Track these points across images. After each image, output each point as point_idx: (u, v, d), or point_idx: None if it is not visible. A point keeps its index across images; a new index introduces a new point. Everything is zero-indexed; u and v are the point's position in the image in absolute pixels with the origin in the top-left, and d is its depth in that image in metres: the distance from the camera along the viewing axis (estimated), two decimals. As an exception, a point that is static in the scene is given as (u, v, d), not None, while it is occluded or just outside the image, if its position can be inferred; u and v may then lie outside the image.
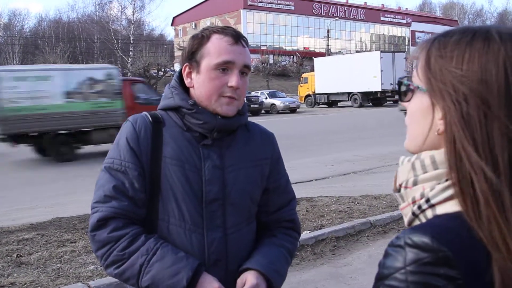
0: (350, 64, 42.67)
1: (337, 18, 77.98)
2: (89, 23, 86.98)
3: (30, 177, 12.89)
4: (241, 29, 67.84)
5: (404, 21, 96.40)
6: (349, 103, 43.55)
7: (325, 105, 46.31)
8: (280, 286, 1.93)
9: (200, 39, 1.86)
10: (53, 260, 5.69)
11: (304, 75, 50.91)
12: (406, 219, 1.01)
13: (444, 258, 0.84)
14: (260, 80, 63.19)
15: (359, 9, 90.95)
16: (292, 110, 40.40)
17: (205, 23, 76.56)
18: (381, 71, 39.62)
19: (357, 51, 73.86)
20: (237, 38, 1.85)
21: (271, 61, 71.17)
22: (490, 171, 0.87)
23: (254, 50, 63.74)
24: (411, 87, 1.02)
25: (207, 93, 1.84)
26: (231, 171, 1.89)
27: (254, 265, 1.86)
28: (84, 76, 16.30)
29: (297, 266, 5.58)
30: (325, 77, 44.57)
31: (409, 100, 1.03)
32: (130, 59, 71.99)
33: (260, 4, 78.01)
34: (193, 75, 1.88)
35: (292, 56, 75.57)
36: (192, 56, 1.87)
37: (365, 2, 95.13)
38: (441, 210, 0.93)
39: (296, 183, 9.67)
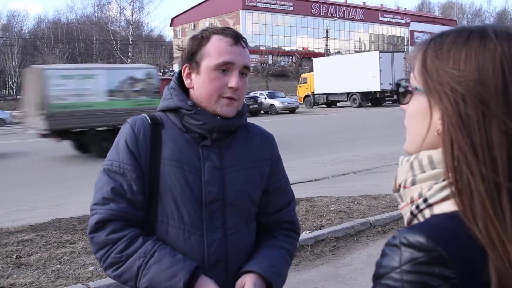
0: (349, 64, 42.68)
1: (336, 18, 77.98)
2: (88, 24, 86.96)
3: (30, 178, 12.88)
4: (240, 29, 67.80)
5: (403, 21, 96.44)
6: (348, 103, 43.57)
7: (324, 105, 46.32)
8: (281, 288, 1.93)
9: (200, 40, 1.86)
10: (53, 261, 5.69)
11: (303, 75, 50.91)
12: (405, 219, 1.01)
13: (439, 258, 0.84)
14: (259, 81, 63.20)
15: (358, 9, 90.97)
16: (291, 111, 40.42)
17: (204, 23, 76.56)
18: (380, 71, 39.64)
19: (356, 51, 73.83)
20: (237, 39, 1.85)
21: (270, 62, 71.22)
22: (488, 171, 0.87)
23: (253, 51, 63.78)
24: (409, 88, 1.02)
25: (207, 94, 1.84)
26: (231, 172, 1.89)
27: (255, 267, 1.86)
28: (125, 75, 17.17)
29: (296, 267, 5.58)
30: (324, 77, 44.58)
31: (407, 102, 1.03)
32: (129, 60, 71.96)
33: (259, 5, 78.01)
34: (193, 76, 1.88)
35: (291, 57, 75.62)
36: (192, 57, 1.87)
37: (364, 2, 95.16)
38: (438, 209, 0.94)
39: (295, 183, 9.67)
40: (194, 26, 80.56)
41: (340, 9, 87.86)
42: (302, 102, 46.85)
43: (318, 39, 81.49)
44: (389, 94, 39.66)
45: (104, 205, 1.80)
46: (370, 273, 0.92)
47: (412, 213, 0.99)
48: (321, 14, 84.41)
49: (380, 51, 43.21)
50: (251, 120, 1.98)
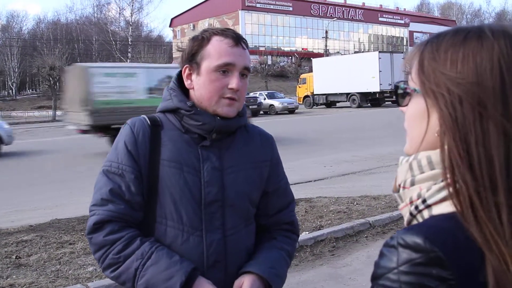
0: (348, 64, 42.70)
1: (335, 18, 77.92)
2: (87, 24, 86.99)
3: (30, 178, 12.87)
4: (239, 30, 67.84)
5: (402, 22, 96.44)
6: (348, 103, 43.59)
7: (324, 106, 46.33)
8: (280, 289, 1.94)
9: (201, 41, 1.87)
10: (52, 261, 5.69)
11: (302, 76, 50.92)
12: (405, 219, 1.01)
13: (436, 259, 0.84)
14: (258, 81, 63.16)
15: (357, 10, 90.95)
16: (291, 111, 40.43)
17: (203, 24, 76.56)
18: (380, 71, 39.66)
19: (355, 52, 73.88)
20: (237, 40, 1.86)
21: (269, 62, 71.16)
22: (484, 172, 0.87)
23: (253, 51, 63.74)
24: (408, 90, 1.02)
25: (207, 95, 1.84)
26: (230, 173, 1.89)
27: (254, 268, 1.86)
28: (163, 74, 17.81)
29: (296, 267, 5.58)
30: (323, 78, 44.60)
31: (406, 104, 1.03)
32: (128, 61, 71.92)
33: (258, 5, 78.00)
34: (193, 76, 1.88)
35: (290, 57, 75.61)
36: (192, 57, 1.87)
37: (363, 3, 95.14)
38: (437, 210, 0.94)
39: (295, 184, 9.67)
40: (194, 26, 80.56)
41: (340, 9, 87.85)
42: (301, 102, 46.89)
43: (317, 39, 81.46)
44: (388, 94, 39.66)
45: (103, 206, 1.80)
46: (370, 274, 0.92)
47: (411, 214, 0.99)
48: (320, 14, 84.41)
49: (380, 52, 43.24)
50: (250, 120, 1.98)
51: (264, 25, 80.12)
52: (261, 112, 38.52)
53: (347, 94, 43.23)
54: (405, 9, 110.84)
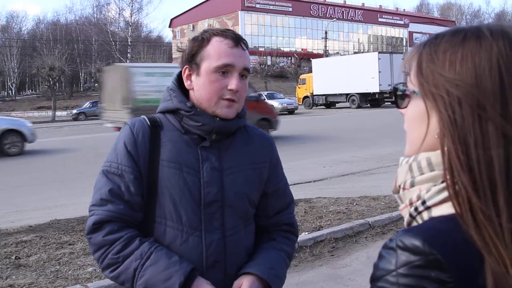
0: (348, 65, 42.68)
1: (334, 19, 77.95)
2: (87, 25, 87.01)
3: (29, 179, 12.87)
4: (239, 30, 67.80)
5: (401, 22, 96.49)
6: (347, 104, 43.58)
7: (323, 106, 46.32)
8: (279, 290, 1.94)
9: (200, 42, 1.87)
10: (52, 262, 5.69)
11: (302, 76, 50.93)
12: (405, 220, 1.01)
13: (435, 262, 0.84)
14: (258, 82, 63.10)
15: (356, 10, 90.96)
16: (290, 112, 40.42)
17: (202, 24, 76.58)
18: (379, 72, 39.64)
19: (355, 52, 73.79)
20: (237, 41, 1.86)
21: (269, 63, 71.23)
22: (484, 173, 0.86)
23: (252, 52, 63.73)
24: (407, 92, 1.02)
25: (207, 96, 1.84)
26: (230, 173, 1.89)
27: (253, 269, 1.86)
28: None
29: (295, 268, 5.58)
30: (323, 78, 44.60)
31: (405, 106, 1.03)
32: (128, 61, 71.95)
33: (257, 6, 78.00)
34: (193, 77, 1.88)
35: (290, 58, 75.62)
36: (192, 58, 1.87)
37: (363, 3, 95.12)
38: (436, 212, 0.93)
39: (294, 184, 9.68)
40: (193, 27, 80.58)
41: (339, 10, 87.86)
42: (301, 103, 46.89)
43: (317, 40, 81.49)
44: (388, 95, 39.64)
45: (102, 206, 1.80)
46: (369, 274, 0.92)
47: (411, 215, 0.98)
48: (320, 15, 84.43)
49: (379, 52, 43.24)
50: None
51: (264, 25, 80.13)
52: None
53: (347, 94, 43.21)
54: (404, 9, 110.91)
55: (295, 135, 21.09)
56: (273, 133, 18.74)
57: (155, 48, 79.42)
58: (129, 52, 73.90)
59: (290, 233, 2.09)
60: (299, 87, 49.01)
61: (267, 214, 2.04)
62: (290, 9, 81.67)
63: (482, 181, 0.87)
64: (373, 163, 13.10)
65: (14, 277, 5.24)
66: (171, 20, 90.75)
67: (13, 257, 5.85)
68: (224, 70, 1.83)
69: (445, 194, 0.92)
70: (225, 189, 1.87)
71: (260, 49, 73.95)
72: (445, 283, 0.84)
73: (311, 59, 54.78)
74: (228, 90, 1.83)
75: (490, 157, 0.86)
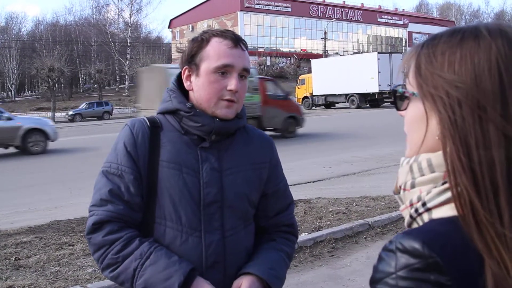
0: (347, 65, 42.71)
1: (334, 19, 77.99)
2: (86, 26, 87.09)
3: (29, 179, 12.87)
4: (238, 31, 67.79)
5: (401, 22, 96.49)
6: (347, 104, 43.60)
7: (323, 107, 46.35)
8: (279, 290, 1.94)
9: (200, 42, 1.87)
10: (52, 263, 5.68)
11: (301, 76, 50.95)
12: (405, 221, 1.01)
13: (434, 264, 0.84)
14: (257, 82, 63.13)
15: (356, 11, 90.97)
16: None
17: (202, 25, 76.61)
18: (379, 72, 39.67)
19: (354, 53, 73.77)
20: (237, 41, 1.86)
21: (268, 63, 71.28)
22: (485, 174, 0.86)
23: (252, 52, 63.65)
24: (406, 94, 1.01)
25: (206, 96, 1.84)
26: (229, 174, 1.89)
27: (253, 269, 1.86)
28: None
29: (295, 268, 5.58)
30: (322, 79, 44.62)
31: (405, 108, 1.02)
32: (127, 62, 72.06)
33: (257, 6, 78.00)
34: (193, 78, 1.88)
35: (289, 58, 75.67)
36: (191, 59, 1.87)
37: (362, 4, 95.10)
38: (437, 214, 0.93)
39: (294, 184, 9.69)
40: (193, 27, 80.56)
41: (338, 10, 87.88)
42: (300, 103, 46.88)
43: (316, 40, 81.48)
44: (387, 95, 39.68)
45: (102, 206, 1.80)
46: (369, 275, 0.92)
47: (411, 216, 0.98)
48: (319, 15, 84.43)
49: (379, 53, 43.28)
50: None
51: (263, 26, 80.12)
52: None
53: (346, 95, 43.24)
54: (404, 9, 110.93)
55: (294, 135, 21.10)
56: (272, 133, 18.78)
57: (155, 49, 79.53)
58: (128, 53, 73.92)
59: (290, 233, 2.09)
60: (298, 88, 49.03)
61: (267, 215, 2.04)
62: (290, 10, 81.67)
63: (483, 182, 0.86)
64: (372, 163, 13.10)
65: (14, 278, 5.24)
66: (171, 20, 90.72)
67: (13, 258, 5.85)
68: (223, 71, 1.83)
69: (445, 196, 0.92)
70: (225, 189, 1.87)
71: (260, 49, 73.95)
72: (445, 286, 0.83)
73: (310, 59, 54.75)
74: (228, 90, 1.83)
75: (491, 158, 0.86)
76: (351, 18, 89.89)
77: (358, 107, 42.13)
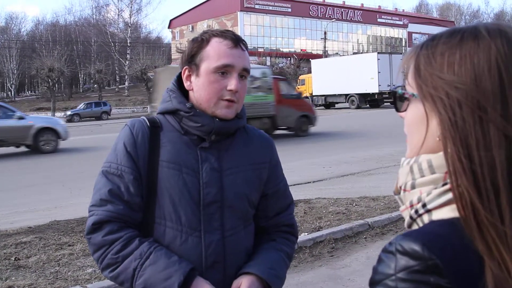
0: (347, 65, 42.71)
1: (334, 20, 78.02)
2: (86, 26, 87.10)
3: (29, 180, 12.87)
4: (238, 31, 67.79)
5: (401, 23, 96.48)
6: (347, 104, 43.60)
7: (323, 107, 46.32)
8: (279, 290, 1.93)
9: (200, 42, 1.87)
10: (51, 263, 5.68)
11: (301, 77, 51.00)
12: (405, 221, 1.01)
13: (434, 267, 0.83)
14: (257, 82, 63.12)
15: (356, 11, 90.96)
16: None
17: (202, 25, 76.63)
18: (378, 72, 39.68)
19: (354, 53, 73.73)
20: (237, 41, 1.86)
21: (268, 63, 71.19)
22: (486, 175, 0.86)
23: (251, 53, 63.51)
24: (406, 95, 1.01)
25: (206, 96, 1.85)
26: (229, 174, 1.89)
27: (253, 269, 1.86)
28: (255, 73, 18.92)
29: (295, 268, 5.58)
30: (322, 79, 44.63)
31: (405, 110, 1.02)
32: (127, 62, 72.10)
33: (257, 6, 77.99)
34: (193, 78, 1.88)
35: (289, 58, 75.58)
36: (191, 59, 1.88)
37: (362, 4, 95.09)
38: (437, 215, 0.93)
39: (294, 185, 9.69)
40: (192, 28, 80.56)
41: (338, 10, 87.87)
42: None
43: (316, 40, 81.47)
44: (387, 95, 39.68)
45: (102, 206, 1.81)
46: (369, 275, 0.92)
47: (411, 217, 0.98)
48: (319, 15, 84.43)
49: (378, 53, 43.31)
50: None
51: (263, 26, 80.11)
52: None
53: (346, 95, 43.25)
54: (403, 10, 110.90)
55: (294, 135, 21.10)
56: (273, 133, 18.79)
57: (154, 49, 79.55)
58: (128, 53, 73.93)
59: (290, 234, 2.09)
60: (298, 88, 49.01)
61: (267, 215, 2.04)
62: (289, 10, 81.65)
63: (485, 184, 0.86)
64: (372, 163, 13.10)
65: (13, 278, 5.24)
66: (170, 21, 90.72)
67: (13, 258, 5.85)
68: (223, 71, 1.83)
69: (445, 197, 0.92)
70: (225, 189, 1.87)
71: (259, 49, 73.90)
72: None
73: (310, 59, 54.75)
74: (228, 90, 1.83)
75: (492, 159, 0.86)
76: (351, 18, 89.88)
77: (358, 107, 42.14)
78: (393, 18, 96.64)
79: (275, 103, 19.30)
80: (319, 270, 5.62)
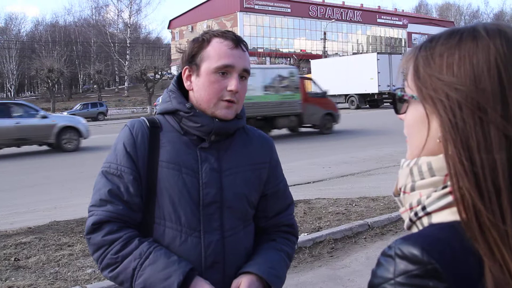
0: (347, 66, 42.66)
1: (333, 20, 78.05)
2: (86, 26, 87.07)
3: (29, 180, 12.87)
4: (238, 31, 67.75)
5: (400, 23, 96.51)
6: (346, 105, 43.55)
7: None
8: (279, 290, 1.93)
9: (201, 43, 1.87)
10: (51, 263, 5.68)
11: (301, 77, 50.85)
12: (405, 223, 1.01)
13: (433, 271, 0.83)
14: (257, 83, 63.08)
15: (355, 11, 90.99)
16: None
17: (201, 26, 76.66)
18: (378, 72, 39.64)
19: (353, 53, 73.74)
20: (237, 42, 1.86)
21: (268, 63, 71.20)
22: (487, 177, 0.85)
23: (251, 53, 63.18)
24: (405, 97, 1.00)
25: (206, 97, 1.85)
26: (229, 174, 1.89)
27: (253, 269, 1.86)
28: (275, 73, 20.20)
29: (295, 268, 5.58)
30: (322, 79, 44.57)
31: (405, 112, 1.02)
32: (127, 63, 72.10)
33: (256, 7, 78.01)
34: (193, 78, 1.88)
35: (289, 59, 75.62)
36: (192, 59, 1.88)
37: (362, 4, 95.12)
38: (436, 218, 0.92)
39: (294, 185, 9.69)
40: (192, 28, 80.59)
41: (338, 11, 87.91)
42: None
43: (315, 41, 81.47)
44: (387, 96, 39.67)
45: (101, 206, 1.81)
46: (368, 275, 0.92)
47: (411, 220, 0.98)
48: (318, 16, 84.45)
49: (378, 53, 43.27)
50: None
51: (263, 26, 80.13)
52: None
53: (346, 95, 43.20)
54: (403, 10, 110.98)
55: (294, 135, 21.09)
56: (271, 133, 18.79)
57: (154, 50, 79.34)
58: (128, 54, 73.92)
59: (290, 234, 2.09)
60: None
61: (267, 216, 2.04)
62: (289, 10, 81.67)
63: (486, 186, 0.85)
64: (372, 164, 13.10)
65: (13, 278, 5.24)
66: (170, 21, 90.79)
67: (13, 259, 5.85)
68: (224, 71, 1.83)
69: (445, 200, 0.91)
70: (224, 190, 1.87)
71: (259, 50, 73.96)
72: None
73: (310, 60, 54.69)
74: (228, 91, 1.83)
75: (493, 160, 0.85)
76: (351, 19, 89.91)
77: (358, 107, 42.10)
78: (392, 18, 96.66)
79: (301, 101, 20.09)
80: (318, 271, 5.62)
